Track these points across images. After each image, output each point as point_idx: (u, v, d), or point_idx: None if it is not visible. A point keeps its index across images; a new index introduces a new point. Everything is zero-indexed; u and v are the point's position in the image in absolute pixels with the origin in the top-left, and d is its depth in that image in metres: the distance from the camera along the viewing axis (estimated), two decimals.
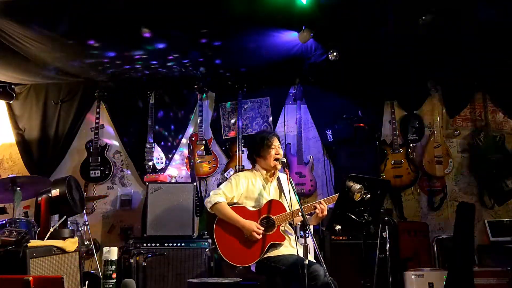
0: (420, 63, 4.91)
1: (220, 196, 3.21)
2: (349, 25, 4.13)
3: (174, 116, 5.44)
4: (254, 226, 3.10)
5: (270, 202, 3.23)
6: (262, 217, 3.19)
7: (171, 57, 4.73)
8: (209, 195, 3.30)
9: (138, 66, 4.92)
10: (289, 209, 3.14)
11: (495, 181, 5.04)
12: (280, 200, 3.28)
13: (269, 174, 3.38)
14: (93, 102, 5.45)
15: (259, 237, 3.10)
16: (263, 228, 3.13)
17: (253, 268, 3.20)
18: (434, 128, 5.19)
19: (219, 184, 5.03)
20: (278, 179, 3.40)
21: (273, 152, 3.28)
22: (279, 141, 3.38)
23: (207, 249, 4.30)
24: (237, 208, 3.23)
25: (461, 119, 5.36)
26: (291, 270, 2.88)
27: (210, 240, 4.34)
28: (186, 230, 4.39)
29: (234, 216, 3.15)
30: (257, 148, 3.34)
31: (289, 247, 3.17)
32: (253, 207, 3.25)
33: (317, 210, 3.13)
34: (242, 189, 3.29)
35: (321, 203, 3.13)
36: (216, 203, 3.19)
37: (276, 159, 3.26)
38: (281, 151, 3.34)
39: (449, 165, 5.14)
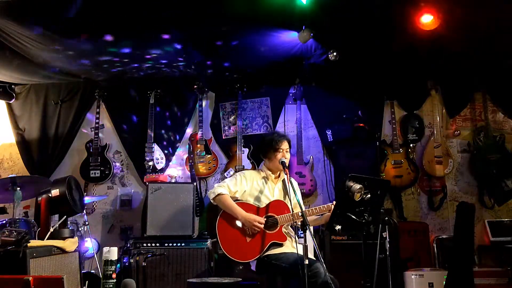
0: (420, 63, 4.91)
1: (223, 188, 3.23)
2: (349, 25, 4.13)
3: (174, 116, 5.43)
4: (255, 217, 3.12)
5: (275, 202, 3.24)
6: (264, 215, 3.20)
7: (171, 57, 4.72)
8: (213, 186, 3.32)
9: (137, 66, 4.92)
10: (292, 210, 3.14)
11: (495, 181, 5.04)
12: (284, 201, 3.29)
13: (274, 175, 3.39)
14: (93, 102, 5.44)
15: (261, 226, 3.11)
16: (264, 220, 3.14)
17: (253, 267, 3.21)
18: (434, 128, 5.19)
19: None
20: (283, 181, 3.40)
21: (279, 155, 3.29)
22: (289, 145, 3.38)
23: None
24: (241, 203, 3.24)
25: (461, 119, 5.36)
26: (292, 268, 2.88)
27: (210, 240, 4.34)
28: (186, 230, 4.39)
29: (236, 208, 3.17)
30: (264, 149, 3.35)
31: (290, 247, 3.18)
32: (256, 205, 3.25)
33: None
34: (246, 186, 3.31)
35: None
36: (219, 194, 3.21)
37: (282, 162, 3.24)
38: (288, 155, 3.33)
39: (449, 165, 5.14)
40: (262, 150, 3.39)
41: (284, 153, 3.30)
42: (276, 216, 3.18)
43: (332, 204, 3.13)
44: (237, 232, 3.17)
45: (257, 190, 3.31)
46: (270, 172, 3.39)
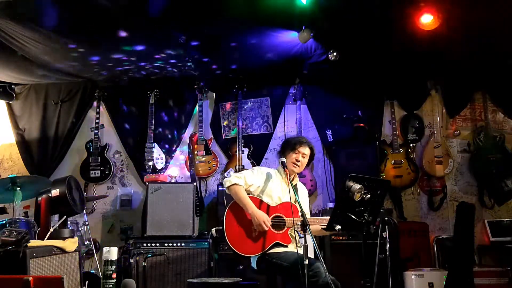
0: (420, 63, 4.91)
1: (240, 179, 3.24)
2: (349, 25, 4.13)
3: (174, 116, 5.44)
4: (265, 217, 3.12)
5: (287, 203, 3.24)
6: (275, 214, 3.20)
7: (171, 57, 4.72)
8: (230, 175, 3.31)
9: (138, 65, 4.92)
10: (302, 216, 3.14)
11: (495, 181, 5.04)
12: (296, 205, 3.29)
13: (288, 177, 3.38)
14: (93, 102, 5.45)
15: (266, 228, 3.11)
16: (270, 222, 3.14)
17: (253, 264, 3.22)
18: (434, 128, 5.19)
19: (218, 185, 5.04)
20: (296, 186, 3.40)
21: (293, 156, 3.30)
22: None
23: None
24: (253, 198, 3.24)
25: (461, 119, 5.36)
26: (293, 267, 2.88)
27: (210, 240, 4.34)
28: (186, 230, 4.39)
29: (248, 202, 3.16)
30: (284, 146, 3.39)
31: (292, 248, 3.18)
32: (267, 203, 3.26)
33: None
34: (260, 182, 3.31)
35: None
36: (235, 184, 3.21)
37: (294, 165, 3.26)
38: (303, 160, 3.33)
39: (449, 165, 5.14)
40: (283, 147, 3.42)
41: (299, 156, 3.30)
42: (285, 218, 3.18)
43: None
44: (244, 225, 3.17)
45: (270, 188, 3.31)
46: (285, 174, 3.38)
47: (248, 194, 3.27)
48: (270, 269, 3.16)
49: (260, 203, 3.23)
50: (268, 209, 3.22)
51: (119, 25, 3.94)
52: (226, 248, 3.83)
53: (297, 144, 3.32)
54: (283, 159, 3.28)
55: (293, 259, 2.96)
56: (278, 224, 3.17)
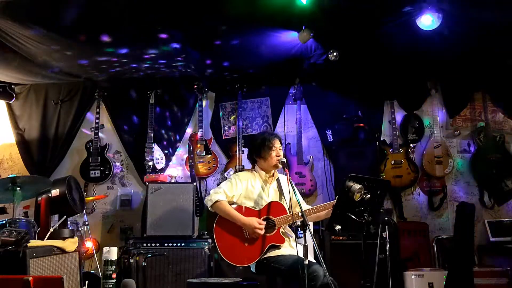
0: (420, 63, 4.91)
1: (220, 194, 3.21)
2: (349, 25, 4.13)
3: (174, 116, 5.44)
4: (255, 222, 3.10)
5: (271, 203, 3.22)
6: (262, 218, 3.18)
7: (170, 57, 4.72)
8: (209, 193, 3.29)
9: (136, 65, 4.91)
10: (289, 211, 3.14)
11: (495, 181, 5.05)
12: (281, 202, 3.28)
13: (268, 175, 3.37)
14: (93, 102, 5.44)
15: (262, 232, 3.10)
16: (264, 223, 3.13)
17: (252, 269, 3.20)
18: (434, 128, 5.20)
19: (218, 184, 5.04)
20: (278, 180, 3.39)
21: (273, 153, 3.28)
22: (281, 143, 3.38)
23: (206, 247, 4.30)
24: (238, 208, 3.23)
25: (461, 119, 5.36)
26: (291, 270, 2.88)
27: (210, 240, 4.35)
28: (186, 230, 4.39)
29: (235, 214, 3.15)
30: (258, 149, 3.33)
31: (289, 248, 3.17)
32: (252, 207, 3.25)
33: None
34: (241, 189, 3.29)
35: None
36: (217, 201, 3.18)
37: (278, 161, 3.25)
38: (281, 153, 3.33)
39: (449, 165, 5.14)
40: (256, 150, 3.35)
41: (278, 151, 3.29)
42: (273, 218, 3.17)
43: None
44: (235, 237, 3.16)
45: (252, 191, 3.30)
46: (265, 173, 3.37)
47: (232, 204, 3.25)
48: (269, 273, 3.15)
49: (246, 211, 3.21)
50: (254, 213, 3.20)
51: (116, 25, 3.94)
52: None
53: (269, 141, 3.28)
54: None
55: (291, 262, 2.95)
56: (269, 226, 3.16)
